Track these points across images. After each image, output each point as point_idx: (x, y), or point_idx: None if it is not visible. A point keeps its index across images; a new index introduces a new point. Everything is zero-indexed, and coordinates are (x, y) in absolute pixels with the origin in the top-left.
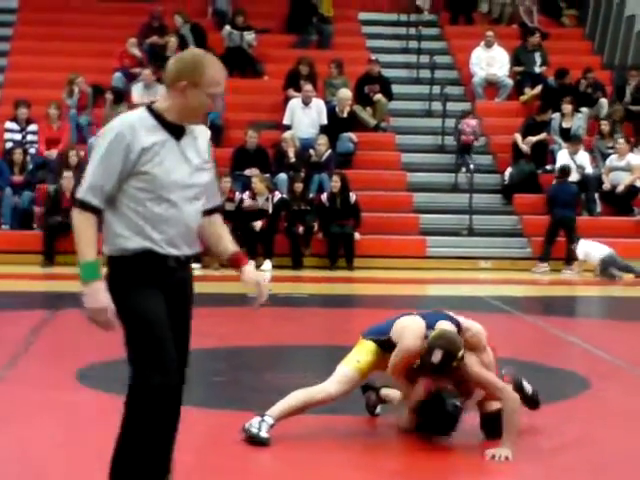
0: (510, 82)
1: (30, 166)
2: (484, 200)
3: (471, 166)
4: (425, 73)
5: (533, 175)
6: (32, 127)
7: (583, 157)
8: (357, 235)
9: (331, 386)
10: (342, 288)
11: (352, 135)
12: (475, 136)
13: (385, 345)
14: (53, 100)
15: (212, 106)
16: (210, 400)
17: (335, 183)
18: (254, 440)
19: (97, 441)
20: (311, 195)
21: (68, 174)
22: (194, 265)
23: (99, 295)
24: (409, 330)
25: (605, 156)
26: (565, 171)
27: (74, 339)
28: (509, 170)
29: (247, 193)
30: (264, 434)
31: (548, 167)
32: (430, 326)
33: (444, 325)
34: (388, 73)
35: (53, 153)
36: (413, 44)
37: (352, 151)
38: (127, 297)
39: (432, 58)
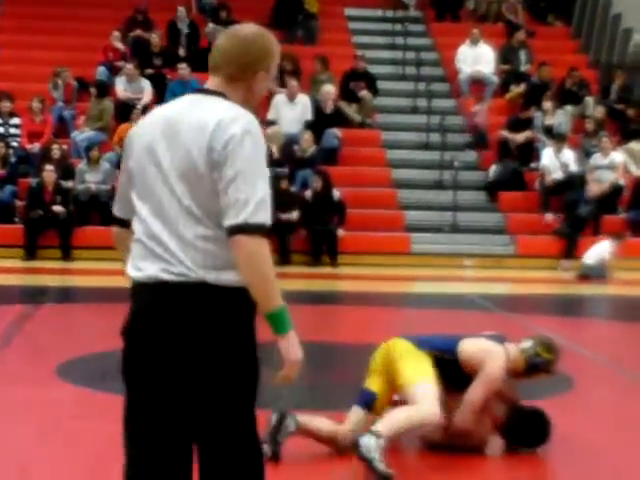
0: (496, 79)
1: (12, 159)
2: (468, 197)
3: (455, 163)
4: (411, 69)
5: (518, 172)
6: (15, 120)
7: (568, 155)
8: (340, 232)
9: (436, 407)
10: (326, 284)
11: (337, 131)
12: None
13: (445, 364)
14: (36, 93)
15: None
16: None
17: (316, 183)
18: (372, 468)
19: (77, 436)
20: (293, 189)
21: (50, 168)
22: None
23: (297, 344)
24: (494, 356)
25: (590, 155)
26: None
27: (54, 334)
28: (493, 167)
29: None
30: (384, 468)
31: (533, 165)
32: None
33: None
34: (374, 69)
35: (35, 147)
36: (399, 40)
37: (337, 147)
38: (252, 347)
39: (418, 54)
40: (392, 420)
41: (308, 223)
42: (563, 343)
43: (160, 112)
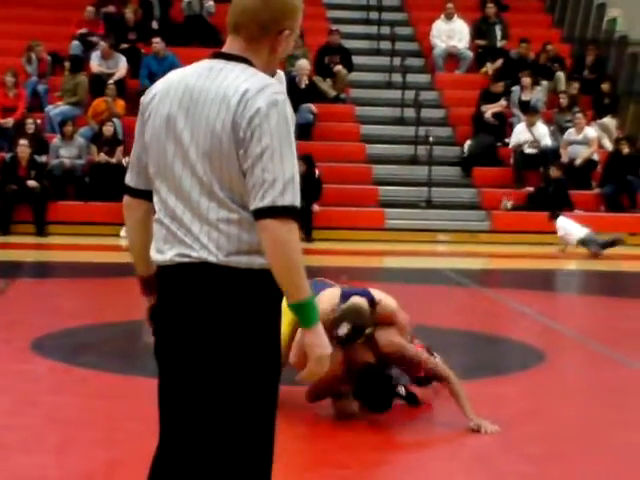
0: (470, 54)
1: None
2: (443, 172)
3: (430, 138)
4: (386, 44)
5: (492, 148)
6: None
7: (541, 129)
8: (316, 207)
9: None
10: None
11: (312, 106)
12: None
13: None
14: (9, 67)
15: None
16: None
17: (300, 167)
18: None
19: (51, 409)
20: None
21: (24, 142)
22: None
23: (325, 339)
24: (321, 300)
25: (564, 130)
26: None
27: (29, 309)
28: (468, 142)
29: None
30: None
31: (507, 140)
32: (345, 300)
33: (356, 299)
34: (348, 44)
35: (9, 121)
36: (374, 15)
37: (312, 122)
38: (274, 336)
39: (393, 29)
40: None
41: None
42: (536, 317)
43: (176, 78)
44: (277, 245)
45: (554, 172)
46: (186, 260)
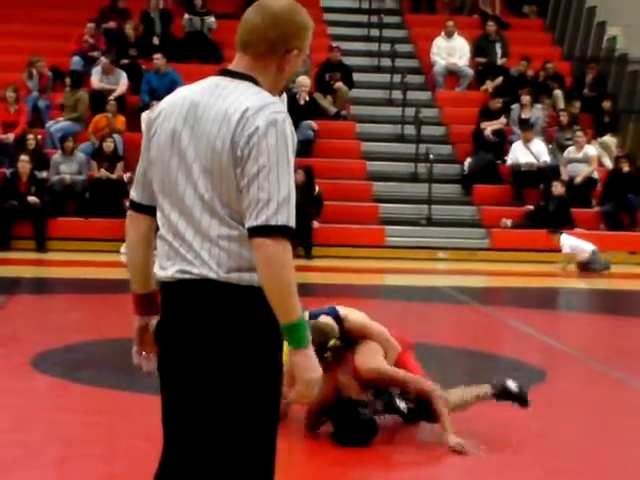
0: (470, 72)
1: None
2: (443, 190)
3: (431, 156)
4: (386, 61)
5: (492, 165)
6: None
7: (539, 146)
8: (315, 224)
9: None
10: (300, 277)
11: (312, 123)
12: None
13: None
14: (10, 83)
15: None
16: None
17: (299, 176)
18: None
19: (51, 426)
20: None
21: (25, 158)
22: None
23: (316, 362)
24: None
25: (564, 148)
26: None
27: (28, 325)
28: (468, 160)
29: None
30: None
31: (507, 158)
32: (313, 319)
33: (321, 319)
34: (349, 61)
35: (10, 137)
36: (374, 32)
37: (312, 139)
38: (275, 353)
39: (393, 46)
40: None
41: None
42: (536, 335)
43: (183, 94)
44: (269, 264)
45: (557, 189)
46: (187, 277)
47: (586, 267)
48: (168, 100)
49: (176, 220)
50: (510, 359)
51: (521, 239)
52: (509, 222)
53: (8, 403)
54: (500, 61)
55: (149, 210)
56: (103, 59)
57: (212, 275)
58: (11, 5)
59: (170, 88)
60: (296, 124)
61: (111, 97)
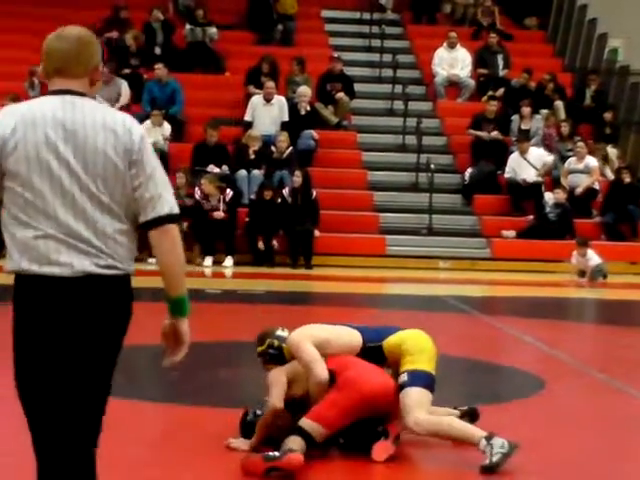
0: (472, 83)
1: None
2: (444, 200)
3: (431, 166)
4: (387, 72)
5: (493, 175)
6: None
7: (535, 154)
8: (317, 232)
9: None
10: (300, 285)
11: (313, 132)
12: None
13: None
14: (11, 92)
15: None
16: (164, 395)
17: (297, 178)
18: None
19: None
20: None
21: None
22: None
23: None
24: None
25: (565, 159)
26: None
27: None
28: (469, 170)
29: (197, 192)
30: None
31: (506, 168)
32: None
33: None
34: (350, 71)
35: None
36: (376, 43)
37: (313, 148)
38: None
39: (395, 57)
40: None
41: (286, 224)
42: (536, 345)
43: (34, 109)
44: (177, 244)
45: (559, 195)
46: (97, 270)
47: (584, 274)
48: (15, 118)
49: (67, 219)
50: (510, 368)
51: (522, 249)
52: (511, 233)
53: (6, 412)
54: (502, 72)
55: None
56: (104, 69)
57: (120, 266)
58: (12, 16)
59: (171, 97)
60: (297, 134)
61: (115, 107)
